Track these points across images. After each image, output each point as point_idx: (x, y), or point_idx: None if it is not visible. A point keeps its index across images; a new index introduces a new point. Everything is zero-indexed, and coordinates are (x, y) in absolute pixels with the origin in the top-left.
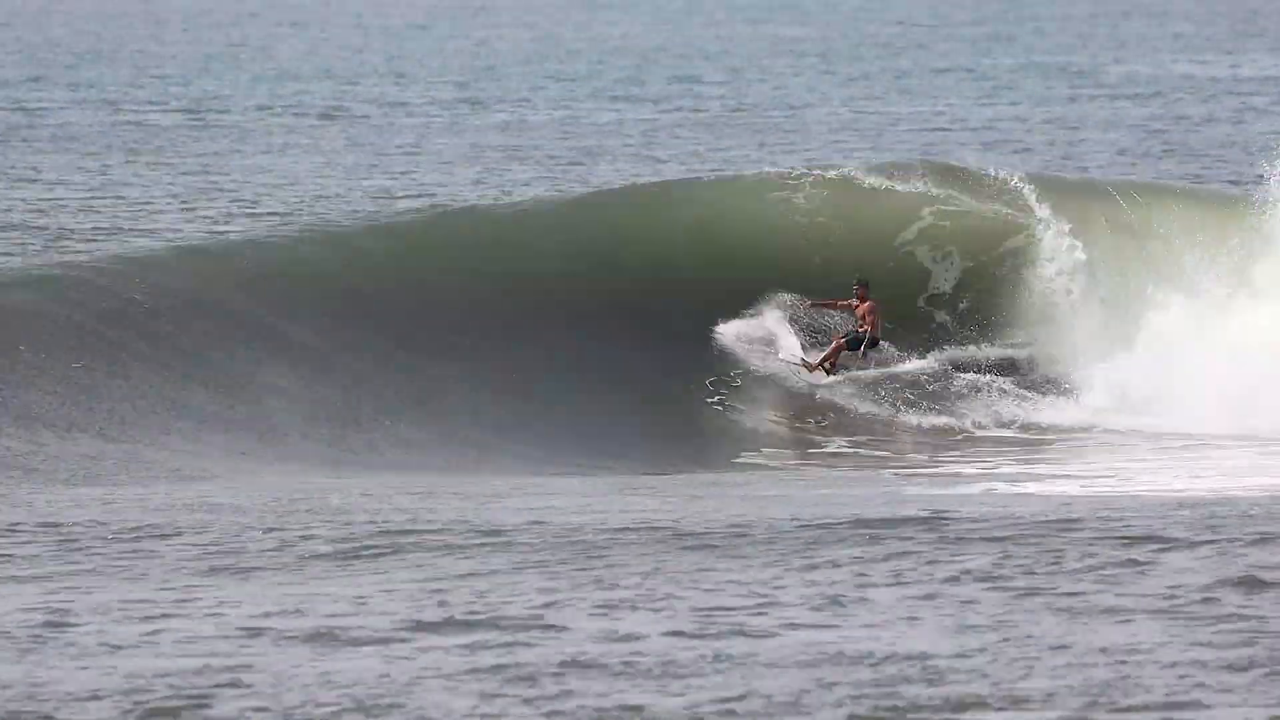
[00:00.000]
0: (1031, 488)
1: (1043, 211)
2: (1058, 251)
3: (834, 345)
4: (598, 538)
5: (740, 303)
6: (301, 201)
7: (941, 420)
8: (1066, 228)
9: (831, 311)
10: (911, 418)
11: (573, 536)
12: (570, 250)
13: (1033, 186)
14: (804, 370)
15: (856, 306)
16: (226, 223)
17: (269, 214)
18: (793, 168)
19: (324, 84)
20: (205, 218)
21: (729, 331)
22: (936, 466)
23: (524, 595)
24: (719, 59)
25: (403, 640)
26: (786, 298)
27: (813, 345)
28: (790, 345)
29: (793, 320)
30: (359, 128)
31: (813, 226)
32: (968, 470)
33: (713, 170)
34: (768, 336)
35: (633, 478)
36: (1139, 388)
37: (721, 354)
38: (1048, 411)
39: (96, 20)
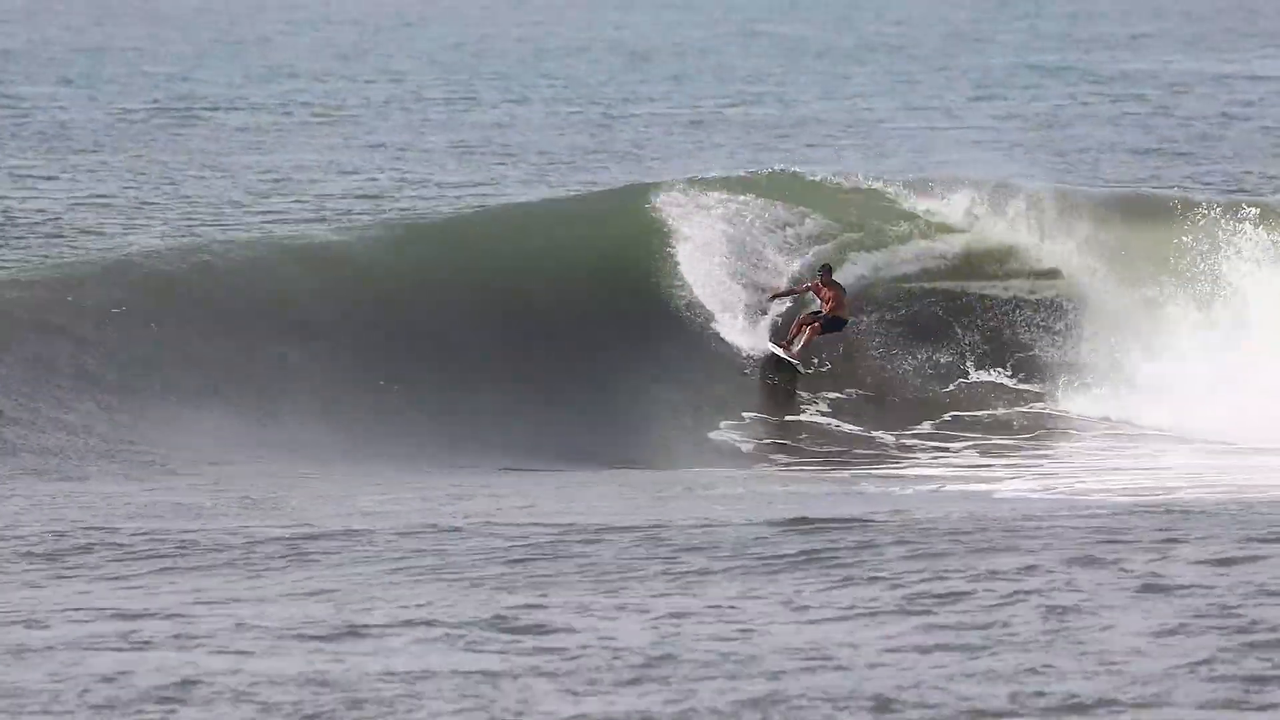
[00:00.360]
0: (1017, 486)
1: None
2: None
3: (810, 329)
4: (572, 538)
5: (725, 299)
6: (295, 200)
7: (930, 411)
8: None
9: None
10: (903, 407)
11: (550, 536)
12: (563, 249)
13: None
14: (789, 358)
15: (820, 291)
16: (222, 221)
17: (266, 212)
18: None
19: (321, 82)
20: (203, 215)
21: (713, 323)
22: (920, 466)
23: (494, 595)
24: (716, 58)
25: (367, 638)
26: (755, 289)
27: (784, 329)
28: (767, 330)
29: (763, 310)
30: (354, 126)
31: (814, 230)
32: (947, 471)
33: (708, 169)
34: (748, 324)
35: (618, 473)
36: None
37: (707, 346)
38: (1038, 405)
39: (94, 19)
